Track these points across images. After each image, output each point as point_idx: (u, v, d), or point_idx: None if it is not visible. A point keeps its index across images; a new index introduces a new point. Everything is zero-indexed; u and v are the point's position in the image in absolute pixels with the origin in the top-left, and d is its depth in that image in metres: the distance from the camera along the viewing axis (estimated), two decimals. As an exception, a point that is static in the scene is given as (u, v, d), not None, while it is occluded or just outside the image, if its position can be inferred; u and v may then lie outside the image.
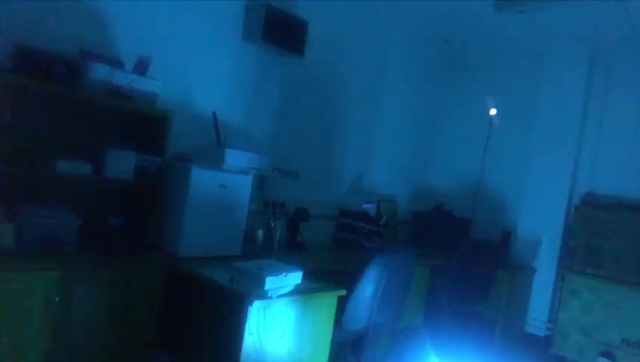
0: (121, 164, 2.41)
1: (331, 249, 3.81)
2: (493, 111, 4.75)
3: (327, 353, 2.44)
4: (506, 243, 4.49)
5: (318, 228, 3.80)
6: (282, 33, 3.31)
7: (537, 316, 4.42)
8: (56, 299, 2.04)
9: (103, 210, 2.55)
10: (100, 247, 2.32)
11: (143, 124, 2.60)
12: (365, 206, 4.16)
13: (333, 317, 2.43)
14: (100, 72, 2.30)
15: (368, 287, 2.62)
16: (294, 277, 2.19)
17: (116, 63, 2.46)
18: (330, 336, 2.44)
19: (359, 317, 2.65)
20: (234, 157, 2.69)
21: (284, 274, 2.14)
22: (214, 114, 2.82)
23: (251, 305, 2.00)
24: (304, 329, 2.30)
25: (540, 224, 4.43)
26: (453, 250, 3.66)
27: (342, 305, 2.50)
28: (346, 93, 4.06)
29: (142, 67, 2.52)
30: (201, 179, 2.55)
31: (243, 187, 2.78)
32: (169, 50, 2.87)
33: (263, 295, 2.05)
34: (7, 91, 2.15)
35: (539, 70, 4.54)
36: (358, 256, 3.50)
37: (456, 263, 3.61)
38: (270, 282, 2.07)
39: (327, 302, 2.40)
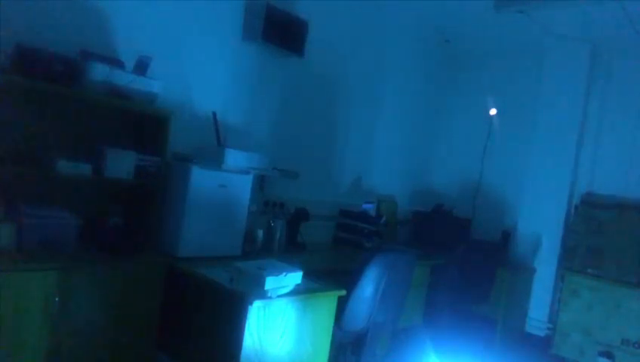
0: (121, 164, 2.41)
1: (331, 249, 3.81)
2: (493, 111, 4.75)
3: (327, 353, 2.44)
4: (506, 243, 4.49)
5: (318, 228, 3.80)
6: (282, 33, 3.31)
7: (537, 316, 4.42)
8: (56, 299, 2.04)
9: (103, 210, 2.55)
10: (100, 247, 2.32)
11: (143, 124, 2.60)
12: (365, 206, 4.16)
13: (333, 317, 2.43)
14: (100, 72, 2.30)
15: (368, 287, 2.62)
16: (294, 277, 2.19)
17: (116, 63, 2.45)
18: (330, 336, 2.44)
19: (359, 317, 2.65)
20: (234, 157, 2.70)
21: (284, 274, 2.14)
22: (214, 114, 2.82)
23: (251, 304, 2.00)
24: (304, 329, 2.30)
25: (540, 224, 4.43)
26: (454, 250, 3.66)
27: (342, 305, 2.50)
28: (346, 93, 4.06)
29: (142, 67, 2.51)
30: (201, 179, 2.55)
31: (243, 187, 2.78)
32: (169, 50, 2.87)
33: (263, 295, 2.05)
34: (7, 91, 2.15)
35: (539, 70, 4.55)
36: (358, 255, 3.50)
37: (457, 263, 3.61)
38: (270, 282, 2.07)
39: (327, 302, 2.40)
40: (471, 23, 4.35)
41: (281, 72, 3.54)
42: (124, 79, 2.37)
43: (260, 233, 3.07)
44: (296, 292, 2.21)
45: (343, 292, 2.45)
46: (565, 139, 4.38)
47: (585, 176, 4.41)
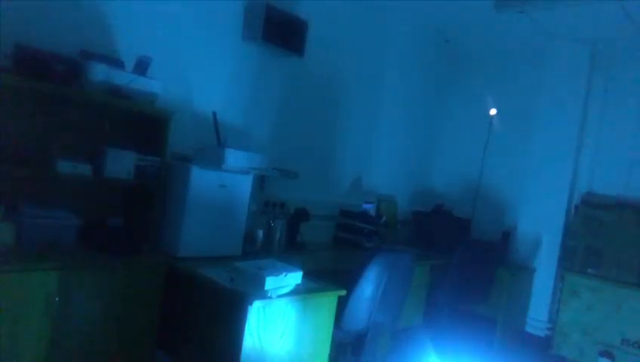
0: (121, 164, 2.41)
1: (331, 249, 3.81)
2: (493, 111, 4.75)
3: (327, 353, 2.44)
4: (506, 243, 4.49)
5: (318, 228, 3.80)
6: (282, 33, 3.31)
7: (537, 316, 4.42)
8: (56, 299, 2.04)
9: (103, 210, 2.55)
10: (100, 247, 2.32)
11: (143, 124, 2.60)
12: (365, 206, 4.16)
13: (333, 317, 2.43)
14: (99, 72, 2.30)
15: (368, 287, 2.62)
16: (294, 277, 2.20)
17: (116, 63, 2.45)
18: (330, 336, 2.44)
19: (359, 317, 2.65)
20: (234, 157, 2.69)
21: (284, 274, 2.14)
22: (214, 114, 2.82)
23: (251, 304, 2.00)
24: (304, 329, 2.30)
25: (540, 224, 4.43)
26: (453, 250, 3.66)
27: (342, 305, 2.50)
28: (346, 93, 4.06)
29: (142, 67, 2.51)
30: (201, 179, 2.55)
31: (243, 187, 2.78)
32: (169, 50, 2.87)
33: (263, 295, 2.06)
34: (7, 91, 2.15)
35: (539, 70, 4.55)
36: (358, 255, 3.50)
37: (457, 263, 3.61)
38: (270, 282, 2.08)
39: (327, 302, 2.40)
40: (471, 23, 4.35)
41: (281, 72, 3.54)
42: (124, 79, 2.38)
43: (260, 233, 3.07)
44: (296, 292, 2.21)
45: (343, 292, 2.45)
46: (565, 138, 4.38)
47: (585, 176, 4.41)
